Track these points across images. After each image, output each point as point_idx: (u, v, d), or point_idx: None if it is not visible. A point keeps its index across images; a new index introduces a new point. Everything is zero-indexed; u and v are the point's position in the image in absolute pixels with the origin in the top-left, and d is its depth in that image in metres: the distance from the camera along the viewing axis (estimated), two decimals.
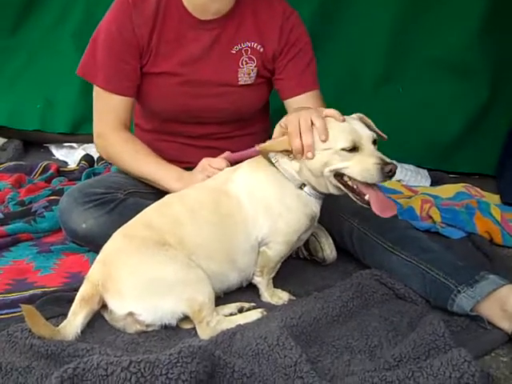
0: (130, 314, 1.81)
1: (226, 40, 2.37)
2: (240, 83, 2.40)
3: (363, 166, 1.87)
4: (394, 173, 1.87)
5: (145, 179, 2.39)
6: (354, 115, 2.03)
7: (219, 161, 2.22)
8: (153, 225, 1.93)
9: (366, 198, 1.92)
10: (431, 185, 3.48)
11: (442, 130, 3.63)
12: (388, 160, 1.87)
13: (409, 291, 2.09)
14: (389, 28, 3.59)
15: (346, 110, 3.59)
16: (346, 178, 1.93)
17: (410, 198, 3.05)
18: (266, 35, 2.38)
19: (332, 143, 1.91)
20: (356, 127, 1.93)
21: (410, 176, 3.54)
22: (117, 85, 2.36)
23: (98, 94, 2.41)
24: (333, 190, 1.99)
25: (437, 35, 3.56)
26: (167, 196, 2.09)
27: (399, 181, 3.42)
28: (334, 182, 1.94)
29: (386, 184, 3.23)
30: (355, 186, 1.93)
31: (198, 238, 1.94)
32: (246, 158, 2.12)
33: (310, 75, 2.44)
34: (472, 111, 3.62)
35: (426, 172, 3.61)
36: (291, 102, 2.42)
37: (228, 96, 2.40)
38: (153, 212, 2.01)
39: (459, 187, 3.21)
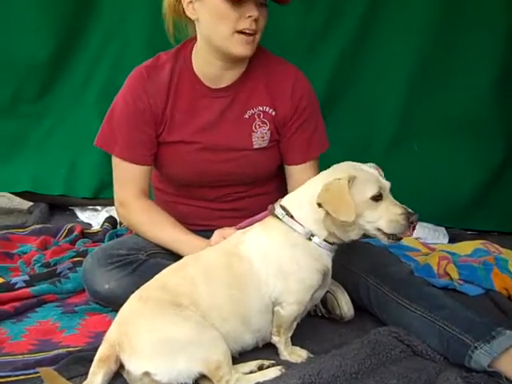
0: (147, 373, 1.84)
1: (239, 106, 2.45)
2: (255, 147, 2.46)
3: (391, 218, 1.93)
4: (417, 222, 1.94)
5: (165, 247, 2.45)
6: (370, 164, 2.08)
7: (232, 231, 2.23)
8: (167, 286, 1.99)
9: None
10: (449, 242, 3.49)
11: (458, 188, 3.65)
12: (410, 210, 1.93)
13: (426, 348, 2.10)
14: (403, 87, 3.65)
15: None
16: None
17: (427, 255, 3.07)
18: (278, 99, 2.45)
19: (362, 191, 1.94)
20: (379, 177, 2.00)
21: (428, 233, 3.55)
22: (134, 154, 2.44)
23: (116, 163, 2.50)
24: (355, 237, 2.04)
25: (451, 94, 3.60)
26: (183, 258, 2.15)
27: (417, 238, 3.44)
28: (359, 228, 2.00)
29: (404, 241, 3.27)
30: None
31: (212, 300, 1.98)
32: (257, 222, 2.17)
33: (316, 144, 2.51)
34: (489, 169, 3.65)
35: (443, 229, 3.62)
36: (290, 169, 2.51)
37: (244, 160, 2.47)
38: (168, 274, 2.06)
39: (477, 244, 3.20)
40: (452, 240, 3.51)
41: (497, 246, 3.17)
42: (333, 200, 1.94)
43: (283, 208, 2.08)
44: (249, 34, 2.27)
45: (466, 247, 3.19)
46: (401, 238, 1.99)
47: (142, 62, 2.53)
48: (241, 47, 2.28)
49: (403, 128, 3.71)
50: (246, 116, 2.46)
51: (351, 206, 1.91)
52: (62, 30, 3.82)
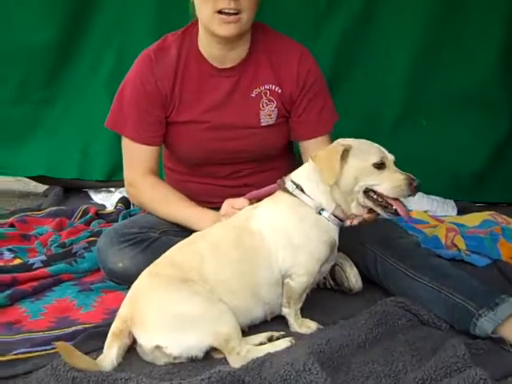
0: (158, 347, 1.90)
1: (245, 85, 2.49)
2: (262, 124, 2.51)
3: (394, 183, 2.01)
4: (420, 188, 2.01)
5: (176, 222, 2.50)
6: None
7: (241, 201, 2.29)
8: (176, 262, 2.05)
9: (394, 207, 2.03)
10: (458, 214, 3.53)
11: (466, 161, 3.69)
12: (413, 176, 2.01)
13: (432, 317, 2.15)
14: (409, 63, 3.67)
15: None
16: (372, 194, 2.05)
17: (435, 227, 3.10)
18: (283, 77, 2.49)
19: (363, 158, 2.04)
20: (382, 149, 2.09)
21: (437, 206, 3.59)
22: (143, 135, 2.50)
23: (126, 144, 2.56)
24: (355, 210, 2.09)
25: (457, 69, 3.63)
26: (192, 235, 2.20)
27: (426, 211, 3.47)
28: (362, 199, 2.05)
29: (414, 214, 3.31)
30: (381, 200, 2.05)
31: (220, 275, 2.03)
32: (268, 195, 2.21)
33: (326, 118, 2.55)
34: (495, 141, 3.68)
35: (452, 202, 3.66)
36: (305, 144, 2.55)
37: (252, 137, 2.51)
38: (177, 250, 2.12)
39: (485, 215, 3.24)
40: (461, 212, 3.55)
41: (505, 217, 3.20)
42: (323, 160, 2.06)
43: (293, 182, 2.13)
44: (229, 14, 2.29)
45: (474, 219, 3.23)
46: (398, 214, 2.04)
47: (149, 45, 2.57)
48: (222, 27, 2.31)
49: (410, 103, 3.74)
50: (253, 95, 2.50)
51: (335, 171, 2.02)
52: (69, 15, 3.85)
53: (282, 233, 2.08)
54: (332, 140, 2.54)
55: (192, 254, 2.07)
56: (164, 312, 1.92)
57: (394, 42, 3.67)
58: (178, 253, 2.11)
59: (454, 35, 3.61)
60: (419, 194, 3.58)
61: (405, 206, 2.05)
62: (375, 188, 2.03)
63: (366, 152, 2.06)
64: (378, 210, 2.05)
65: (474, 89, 3.63)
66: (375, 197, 2.05)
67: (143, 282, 2.04)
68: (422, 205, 3.57)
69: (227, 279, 2.04)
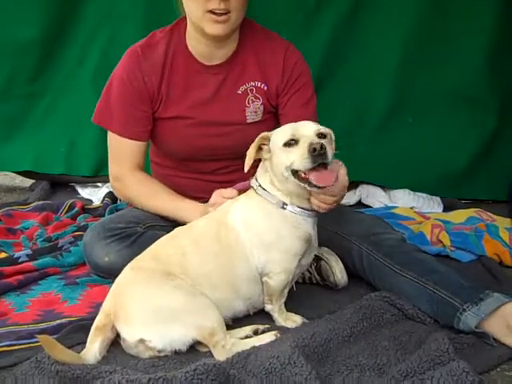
0: (141, 340, 1.91)
1: (232, 82, 2.51)
2: (248, 121, 2.53)
3: (300, 156, 1.95)
4: (322, 149, 1.92)
5: (165, 215, 2.51)
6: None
7: (230, 191, 2.30)
8: (159, 256, 2.06)
9: (310, 179, 1.96)
10: (444, 211, 3.55)
11: (453, 158, 3.70)
12: (315, 141, 1.94)
13: (417, 311, 2.17)
14: (396, 62, 3.69)
15: (357, 142, 3.73)
16: (300, 173, 1.99)
17: (421, 223, 3.12)
18: (269, 73, 2.51)
19: (276, 142, 2.03)
20: (299, 124, 2.05)
21: (423, 203, 3.60)
22: (130, 130, 2.51)
23: (112, 139, 2.56)
24: (293, 189, 2.05)
25: (444, 67, 3.65)
26: (175, 229, 2.20)
27: (412, 207, 3.50)
28: (293, 181, 2.01)
29: (399, 211, 3.33)
30: (303, 177, 1.99)
31: (202, 269, 2.04)
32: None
33: (311, 110, 2.56)
34: (482, 139, 3.70)
35: (438, 198, 3.67)
36: None
37: (238, 134, 2.52)
38: (159, 244, 2.13)
39: (471, 212, 3.27)
40: (447, 209, 3.57)
41: (490, 214, 3.23)
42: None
43: (256, 180, 2.14)
44: (219, 14, 2.31)
45: (459, 215, 3.25)
46: (323, 187, 1.95)
47: (137, 39, 2.58)
48: (212, 26, 2.33)
49: (398, 101, 3.75)
50: (239, 92, 2.52)
51: (249, 157, 2.06)
52: (55, 9, 3.84)
53: (254, 231, 2.08)
54: None
55: (174, 248, 2.08)
56: (146, 305, 1.93)
57: (383, 40, 3.68)
58: (161, 247, 2.12)
59: (442, 34, 3.63)
60: (405, 191, 3.63)
61: (326, 173, 1.95)
62: (292, 167, 1.99)
63: (278, 135, 2.04)
64: (307, 186, 1.98)
65: (461, 87, 3.65)
66: (301, 175, 1.99)
67: (126, 276, 2.05)
68: (408, 201, 3.60)
69: (208, 272, 2.05)
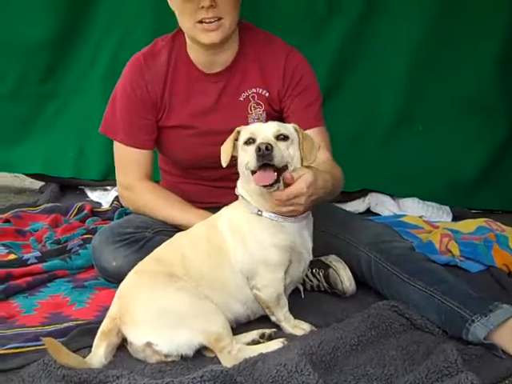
0: (148, 344, 1.91)
1: (233, 89, 2.52)
2: None
3: (251, 156, 1.94)
4: (267, 150, 1.89)
5: (172, 223, 2.51)
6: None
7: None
8: (162, 259, 2.07)
9: (254, 177, 1.95)
10: (453, 220, 3.54)
11: (462, 167, 3.68)
12: (264, 141, 1.92)
13: (425, 321, 2.15)
14: (406, 69, 3.67)
15: (366, 150, 3.72)
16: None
17: (430, 232, 3.11)
18: (270, 78, 2.51)
19: (240, 139, 2.04)
20: (262, 125, 2.05)
21: (432, 212, 3.59)
22: (135, 139, 2.53)
23: (119, 149, 2.58)
24: (258, 193, 2.02)
25: (454, 74, 3.63)
26: (176, 234, 2.22)
27: (421, 216, 3.49)
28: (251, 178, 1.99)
29: (408, 220, 3.32)
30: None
31: (200, 270, 2.05)
32: None
33: (315, 112, 2.54)
34: (492, 148, 3.68)
35: (447, 208, 3.66)
36: None
37: None
38: (162, 248, 2.15)
39: (480, 222, 3.25)
40: (456, 218, 3.56)
41: (499, 224, 3.20)
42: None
43: (239, 187, 2.13)
44: (210, 22, 2.32)
45: (469, 225, 3.23)
46: (270, 185, 1.93)
47: (147, 41, 2.61)
48: (205, 35, 2.35)
49: (407, 108, 3.74)
50: (241, 98, 2.53)
51: (225, 152, 2.07)
52: (66, 11, 3.87)
53: (239, 238, 2.07)
54: (328, 140, 2.56)
55: (175, 250, 2.10)
56: (151, 308, 1.93)
57: (392, 47, 3.67)
58: (163, 251, 2.14)
59: (452, 41, 3.61)
60: (414, 200, 3.62)
61: (267, 172, 1.92)
62: (247, 165, 1.98)
63: (243, 133, 2.04)
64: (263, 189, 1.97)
65: (471, 95, 3.63)
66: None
67: (130, 279, 2.06)
68: (417, 210, 3.59)
69: (206, 274, 2.05)
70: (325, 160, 2.39)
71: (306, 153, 2.04)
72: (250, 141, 1.99)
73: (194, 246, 2.10)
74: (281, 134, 1.99)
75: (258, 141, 1.94)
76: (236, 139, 2.09)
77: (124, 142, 2.55)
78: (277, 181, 1.95)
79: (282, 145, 1.97)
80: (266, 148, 1.89)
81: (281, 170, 1.96)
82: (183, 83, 2.52)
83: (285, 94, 2.53)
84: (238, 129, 2.09)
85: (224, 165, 2.07)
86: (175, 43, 2.53)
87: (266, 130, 2.00)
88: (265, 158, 1.90)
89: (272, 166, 1.93)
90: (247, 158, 1.98)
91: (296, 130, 2.07)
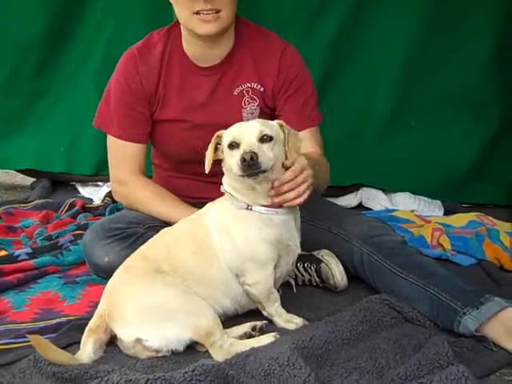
0: (138, 340, 1.90)
1: (228, 83, 2.51)
2: None
3: (236, 163, 1.93)
4: (252, 160, 1.88)
5: (164, 220, 2.50)
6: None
7: None
8: (147, 255, 2.07)
9: None
10: (444, 214, 3.54)
11: (454, 162, 3.69)
12: (247, 150, 1.90)
13: (417, 314, 2.16)
14: (399, 64, 3.67)
15: (359, 145, 3.72)
16: None
17: (422, 227, 3.11)
18: (265, 74, 2.51)
19: (224, 143, 2.02)
20: (243, 126, 2.01)
21: (424, 206, 3.60)
22: (129, 133, 2.53)
23: (113, 143, 2.57)
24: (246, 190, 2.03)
25: (446, 69, 3.63)
26: (161, 230, 2.21)
27: (412, 211, 3.49)
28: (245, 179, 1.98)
29: (400, 214, 3.33)
30: None
31: (186, 265, 2.04)
32: None
33: (309, 112, 2.55)
34: (483, 143, 3.68)
35: (439, 202, 3.66)
36: None
37: None
38: (148, 245, 2.14)
39: (472, 216, 3.26)
40: (447, 213, 3.56)
41: (491, 218, 3.22)
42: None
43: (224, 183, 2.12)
44: (207, 14, 2.32)
45: (460, 219, 3.25)
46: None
47: (140, 37, 2.59)
48: (201, 27, 2.34)
49: (400, 104, 3.73)
50: (235, 93, 2.52)
51: (207, 158, 2.07)
52: (58, 7, 3.84)
53: (225, 235, 2.06)
54: (320, 139, 2.57)
55: (160, 247, 2.09)
56: (139, 304, 1.93)
57: (386, 42, 3.66)
58: (149, 246, 2.13)
59: (445, 36, 3.61)
60: (406, 194, 3.63)
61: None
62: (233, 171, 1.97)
63: (225, 136, 2.03)
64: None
65: (463, 90, 3.63)
66: None
67: (117, 276, 2.06)
68: (409, 205, 3.59)
69: (192, 269, 2.04)
70: (314, 152, 2.40)
71: (291, 148, 2.03)
72: (233, 144, 1.97)
73: (178, 242, 2.09)
74: (264, 135, 1.96)
75: (242, 148, 1.92)
76: (218, 143, 2.07)
77: (118, 135, 2.54)
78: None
79: (266, 147, 1.95)
80: (251, 158, 1.88)
81: None
82: (177, 76, 2.52)
83: (279, 92, 2.53)
84: (217, 133, 2.07)
85: (206, 171, 2.05)
86: (170, 36, 2.52)
87: (249, 134, 1.96)
88: (251, 167, 1.90)
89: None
90: (232, 161, 1.96)
91: (281, 126, 2.06)
